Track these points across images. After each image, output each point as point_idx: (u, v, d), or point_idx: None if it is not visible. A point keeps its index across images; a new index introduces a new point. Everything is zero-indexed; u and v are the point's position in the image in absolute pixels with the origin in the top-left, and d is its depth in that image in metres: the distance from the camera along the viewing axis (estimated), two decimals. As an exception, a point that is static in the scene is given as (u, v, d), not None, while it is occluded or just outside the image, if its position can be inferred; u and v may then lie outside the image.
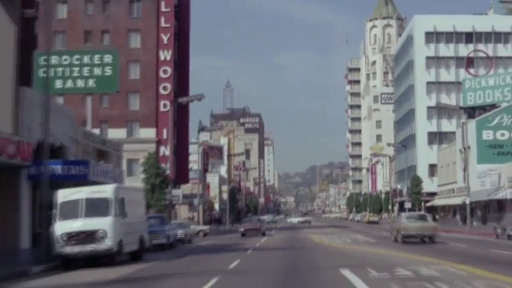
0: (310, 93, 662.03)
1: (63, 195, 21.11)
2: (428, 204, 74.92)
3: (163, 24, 58.43)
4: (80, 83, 38.34)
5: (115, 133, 54.81)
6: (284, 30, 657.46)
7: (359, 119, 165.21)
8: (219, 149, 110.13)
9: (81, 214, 20.69)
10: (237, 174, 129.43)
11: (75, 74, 38.34)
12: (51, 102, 28.26)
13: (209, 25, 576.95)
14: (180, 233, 34.95)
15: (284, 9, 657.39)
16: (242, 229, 50.05)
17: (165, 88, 58.63)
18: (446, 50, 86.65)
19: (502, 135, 60.57)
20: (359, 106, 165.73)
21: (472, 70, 79.24)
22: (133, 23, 58.67)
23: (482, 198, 54.78)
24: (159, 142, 57.54)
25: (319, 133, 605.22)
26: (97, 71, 38.09)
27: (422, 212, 48.01)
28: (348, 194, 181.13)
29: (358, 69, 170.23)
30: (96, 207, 20.69)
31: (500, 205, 53.29)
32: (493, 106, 64.03)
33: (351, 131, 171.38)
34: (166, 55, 58.29)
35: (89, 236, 20.21)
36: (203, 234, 48.88)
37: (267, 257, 24.45)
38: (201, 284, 14.50)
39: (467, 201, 50.62)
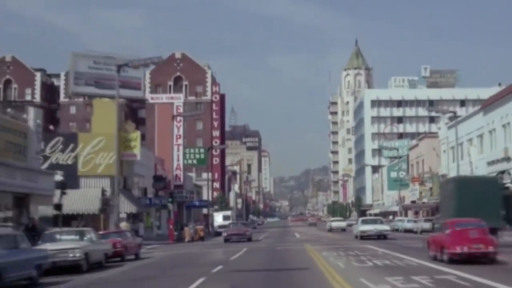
0: (307, 96, 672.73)
1: (216, 213, 70.25)
2: (367, 212, 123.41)
3: (214, 116, 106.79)
4: (189, 161, 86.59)
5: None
6: (279, 33, 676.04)
7: (337, 143, 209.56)
8: (234, 172, 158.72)
9: (221, 220, 69.36)
10: (245, 188, 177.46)
11: (186, 157, 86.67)
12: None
13: (204, 27, 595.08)
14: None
15: (278, 11, 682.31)
16: (225, 234, 46.09)
17: (215, 150, 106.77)
18: (384, 112, 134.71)
19: (401, 174, 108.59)
20: (338, 133, 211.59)
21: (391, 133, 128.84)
22: (198, 115, 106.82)
23: (384, 210, 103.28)
24: (213, 180, 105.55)
25: (314, 137, 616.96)
26: (197, 156, 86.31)
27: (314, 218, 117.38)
28: (330, 201, 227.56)
29: (337, 103, 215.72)
30: (226, 218, 69.54)
31: (394, 215, 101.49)
32: (399, 157, 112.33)
33: (332, 152, 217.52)
34: (216, 133, 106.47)
35: (224, 226, 68.38)
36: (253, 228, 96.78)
37: (275, 231, 72.93)
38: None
39: (372, 212, 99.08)
